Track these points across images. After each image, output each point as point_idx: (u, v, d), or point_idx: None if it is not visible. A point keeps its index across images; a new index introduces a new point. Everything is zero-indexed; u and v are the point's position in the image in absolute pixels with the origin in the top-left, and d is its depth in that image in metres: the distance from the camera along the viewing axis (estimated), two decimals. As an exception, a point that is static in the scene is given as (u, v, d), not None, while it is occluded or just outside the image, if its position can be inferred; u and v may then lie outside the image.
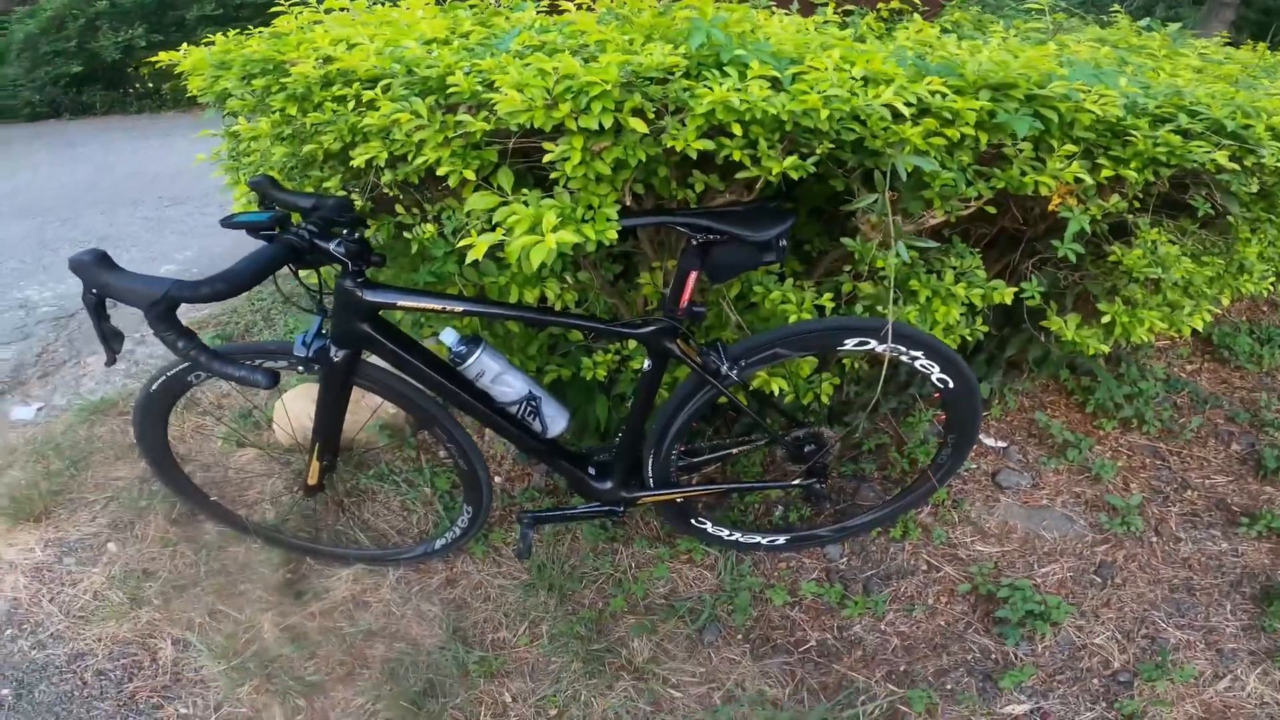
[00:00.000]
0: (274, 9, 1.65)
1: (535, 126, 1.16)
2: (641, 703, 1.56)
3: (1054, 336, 1.74)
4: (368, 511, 2.00)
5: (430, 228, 1.48)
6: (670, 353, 1.42)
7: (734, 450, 1.77)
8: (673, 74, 1.19)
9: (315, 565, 1.86)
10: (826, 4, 1.77)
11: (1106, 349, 1.67)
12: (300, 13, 1.60)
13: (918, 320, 1.52)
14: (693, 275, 1.34)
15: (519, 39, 1.34)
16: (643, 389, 1.50)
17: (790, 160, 1.23)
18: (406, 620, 1.73)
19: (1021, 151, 1.33)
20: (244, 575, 1.82)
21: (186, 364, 1.50)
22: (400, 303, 1.36)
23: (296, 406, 2.03)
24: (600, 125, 1.15)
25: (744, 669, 1.63)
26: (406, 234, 1.52)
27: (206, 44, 1.65)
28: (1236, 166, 1.35)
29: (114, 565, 1.85)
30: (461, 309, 1.38)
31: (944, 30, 1.86)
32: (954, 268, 1.53)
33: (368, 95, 1.30)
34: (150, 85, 7.27)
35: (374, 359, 1.50)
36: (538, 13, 1.57)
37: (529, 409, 1.51)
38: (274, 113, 1.46)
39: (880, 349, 1.45)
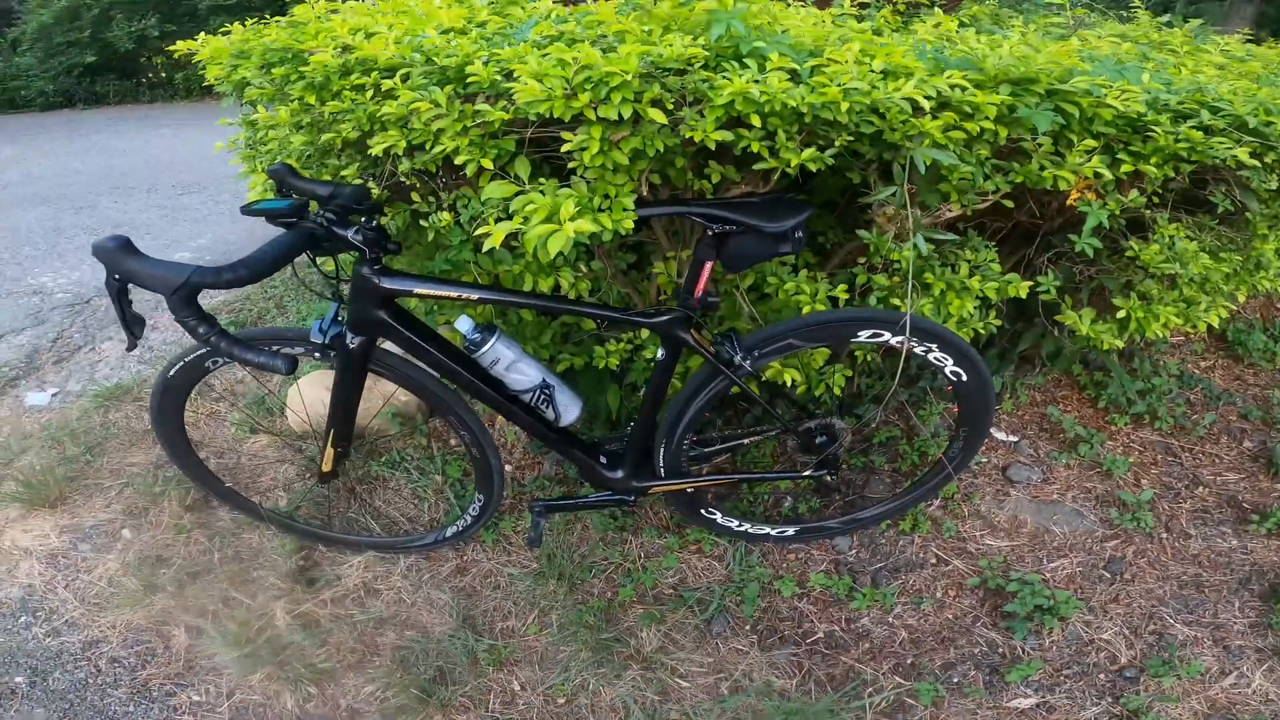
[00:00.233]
0: (289, -3, 1.66)
1: (553, 116, 1.17)
2: (649, 692, 1.57)
3: (1068, 331, 1.74)
4: (379, 499, 2.01)
5: (446, 216, 1.49)
6: (684, 342, 1.43)
7: (745, 441, 1.78)
8: (692, 65, 1.20)
9: (327, 552, 1.88)
10: (844, -2, 1.76)
11: (1121, 344, 1.67)
12: (318, 1, 1.61)
13: (932, 313, 1.52)
14: (708, 265, 1.35)
15: (537, 29, 1.34)
16: (655, 378, 1.50)
17: (809, 152, 1.23)
18: (417, 608, 1.75)
19: (1041, 146, 1.33)
20: (257, 562, 1.84)
21: (204, 350, 1.51)
22: (416, 290, 1.37)
23: (310, 393, 2.04)
24: (619, 115, 1.15)
25: (751, 660, 1.63)
26: (423, 222, 1.53)
27: (222, 33, 1.66)
28: (1257, 163, 1.34)
29: (128, 551, 1.87)
30: (476, 296, 1.39)
31: (962, 24, 1.86)
32: (969, 261, 1.53)
33: (386, 84, 1.31)
34: (163, 75, 7.32)
35: (389, 346, 1.51)
36: (554, 2, 1.57)
37: (542, 397, 1.51)
38: (293, 101, 1.47)
39: (894, 341, 1.46)
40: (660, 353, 1.47)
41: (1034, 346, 2.03)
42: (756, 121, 1.18)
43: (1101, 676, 1.59)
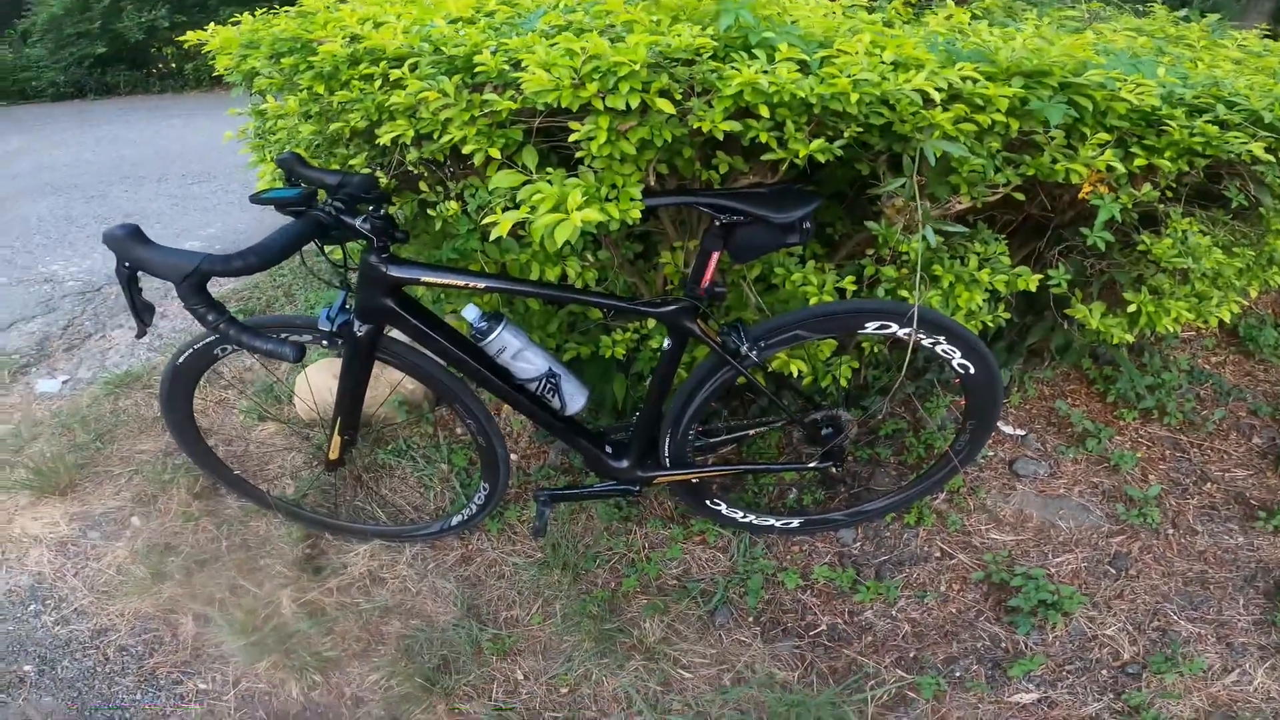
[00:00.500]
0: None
1: (561, 106, 1.17)
2: (652, 682, 1.57)
3: (1078, 325, 1.73)
4: (385, 487, 2.03)
5: (454, 205, 1.49)
6: (690, 332, 1.43)
7: (750, 431, 1.78)
8: (700, 55, 1.19)
9: (334, 541, 1.89)
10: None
11: (1131, 338, 1.66)
12: (327, -10, 1.61)
13: (940, 305, 1.52)
14: (715, 256, 1.34)
15: (545, 18, 1.34)
16: (661, 368, 1.51)
17: (817, 143, 1.22)
18: (422, 597, 1.76)
19: (1053, 139, 1.32)
20: (264, 550, 1.85)
21: (213, 337, 1.52)
22: (423, 278, 1.38)
23: (318, 380, 2.05)
24: (627, 105, 1.15)
25: (754, 651, 1.64)
26: (430, 211, 1.53)
27: (232, 23, 1.66)
28: (1272, 158, 1.33)
29: (137, 539, 1.89)
30: (483, 285, 1.39)
31: (974, 17, 1.84)
32: (978, 254, 1.52)
33: (395, 74, 1.31)
34: (173, 65, 7.34)
35: (396, 334, 1.52)
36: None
37: (548, 386, 1.52)
38: (301, 91, 1.47)
39: (902, 333, 1.45)
40: (666, 342, 1.47)
41: (1043, 340, 2.02)
42: (765, 112, 1.18)
43: (1104, 672, 1.59)
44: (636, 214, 1.24)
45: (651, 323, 1.70)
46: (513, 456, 2.10)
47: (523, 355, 1.48)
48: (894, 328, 1.45)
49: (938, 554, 1.84)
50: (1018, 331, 2.01)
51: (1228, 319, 1.67)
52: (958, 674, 1.59)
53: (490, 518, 1.88)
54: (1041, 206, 1.56)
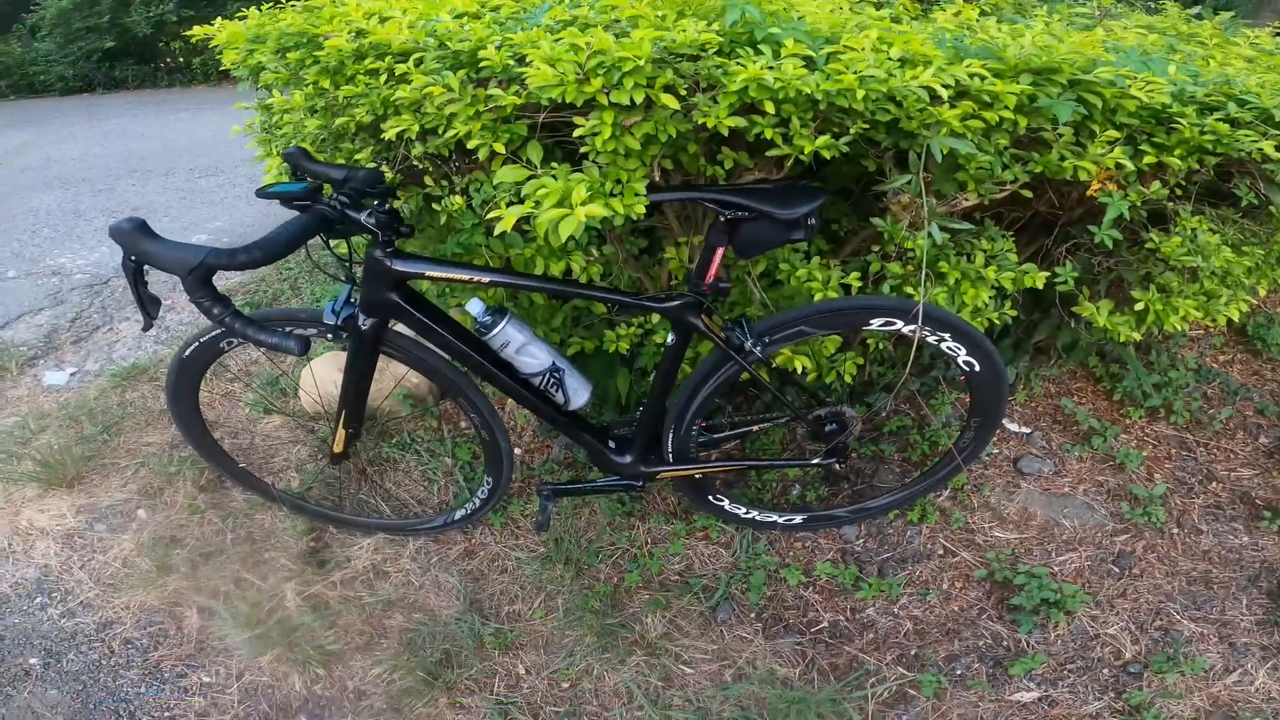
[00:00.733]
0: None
1: (566, 101, 1.17)
2: (653, 678, 1.58)
3: (1085, 322, 1.72)
4: (389, 481, 2.03)
5: (459, 200, 1.50)
6: (695, 328, 1.43)
7: (754, 427, 1.78)
8: (706, 50, 1.19)
9: (338, 534, 1.90)
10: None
11: (1138, 336, 1.65)
12: (332, -15, 1.61)
13: (946, 302, 1.51)
14: (719, 251, 1.34)
15: (551, 13, 1.34)
16: (665, 363, 1.51)
17: (823, 139, 1.22)
18: (425, 591, 1.76)
19: (1062, 136, 1.31)
20: (269, 543, 1.86)
21: (220, 330, 1.53)
22: (428, 272, 1.38)
23: (323, 373, 2.06)
24: (632, 101, 1.15)
25: (756, 647, 1.64)
26: (435, 205, 1.54)
27: (239, 18, 1.66)
28: (1283, 156, 1.32)
29: (143, 532, 1.90)
30: (488, 280, 1.39)
31: (983, 13, 1.83)
32: (985, 251, 1.51)
33: (400, 69, 1.31)
34: (181, 60, 7.36)
35: (401, 328, 1.52)
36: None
37: (552, 380, 1.52)
38: (307, 86, 1.48)
39: (907, 329, 1.45)
40: (670, 338, 1.47)
41: (1049, 337, 2.01)
42: (770, 108, 1.18)
43: (1105, 671, 1.58)
44: (641, 209, 1.23)
45: (655, 318, 1.70)
46: (516, 451, 2.11)
47: (527, 350, 1.49)
48: (899, 324, 1.44)
49: (941, 551, 1.83)
50: (1024, 329, 2.00)
51: (1236, 318, 1.66)
52: (959, 672, 1.59)
53: (493, 512, 1.89)
54: (1049, 204, 1.55)
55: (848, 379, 1.67)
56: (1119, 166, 1.31)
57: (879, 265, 1.53)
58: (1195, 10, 2.05)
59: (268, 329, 1.16)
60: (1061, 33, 1.44)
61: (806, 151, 1.23)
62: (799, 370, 1.62)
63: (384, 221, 1.32)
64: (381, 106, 1.38)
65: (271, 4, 1.70)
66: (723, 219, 1.31)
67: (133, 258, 1.13)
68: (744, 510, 1.82)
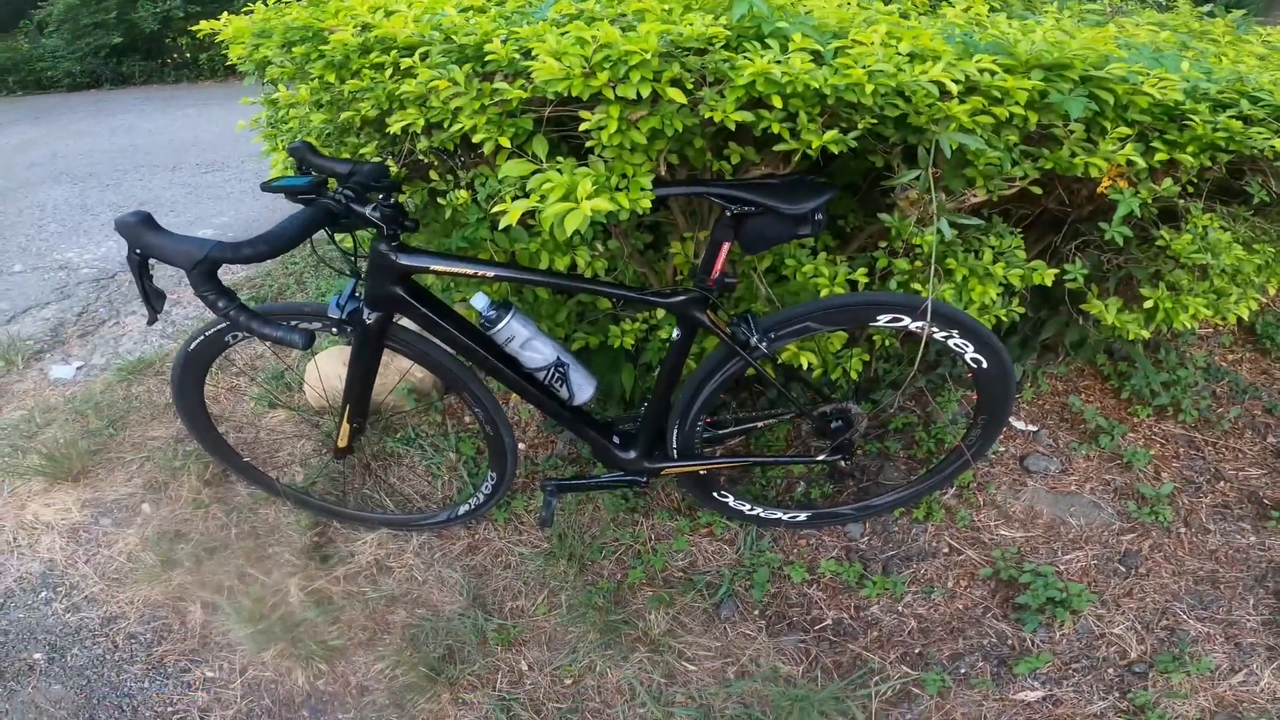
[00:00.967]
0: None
1: (572, 95, 1.16)
2: (656, 675, 1.58)
3: (1093, 320, 1.71)
4: (394, 476, 2.03)
5: (464, 194, 1.49)
6: (700, 323, 1.42)
7: (759, 424, 1.77)
8: (713, 44, 1.18)
9: (341, 529, 1.90)
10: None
11: (1147, 334, 1.64)
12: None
13: (953, 299, 1.50)
14: (725, 246, 1.34)
15: (556, 7, 1.33)
16: (670, 359, 1.50)
17: (830, 134, 1.21)
18: (428, 586, 1.76)
19: (1073, 133, 1.30)
20: (273, 538, 1.86)
21: (225, 324, 1.53)
22: (433, 266, 1.38)
23: (328, 368, 2.06)
24: (638, 95, 1.14)
25: (759, 645, 1.64)
26: (440, 200, 1.53)
27: (245, 12, 1.66)
28: (1296, 154, 1.31)
29: (148, 526, 1.90)
30: (493, 274, 1.39)
31: (992, 9, 1.82)
32: (993, 247, 1.50)
33: (405, 63, 1.31)
34: (188, 55, 7.38)
35: (405, 322, 1.52)
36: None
37: (556, 375, 1.52)
38: (313, 80, 1.48)
39: (914, 326, 1.44)
40: (676, 333, 1.47)
41: (1057, 335, 2.00)
42: (778, 103, 1.17)
43: (1110, 671, 1.58)
44: (647, 204, 1.23)
45: (660, 313, 1.70)
46: (520, 446, 2.10)
47: (531, 344, 1.48)
48: (906, 321, 1.44)
49: (946, 550, 1.83)
50: (1032, 326, 1.99)
51: (1246, 316, 1.65)
52: (963, 670, 1.58)
53: (497, 507, 1.89)
54: (1059, 200, 1.54)
55: (854, 375, 1.67)
56: (1130, 163, 1.30)
57: (886, 261, 1.52)
58: (1207, 8, 2.03)
59: (272, 323, 1.16)
60: (1073, 29, 1.43)
61: (814, 146, 1.22)
62: (805, 366, 1.61)
63: (389, 216, 1.31)
64: (387, 100, 1.38)
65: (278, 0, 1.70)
66: (729, 214, 1.30)
67: (138, 251, 1.13)
68: (748, 507, 1.81)
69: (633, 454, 1.66)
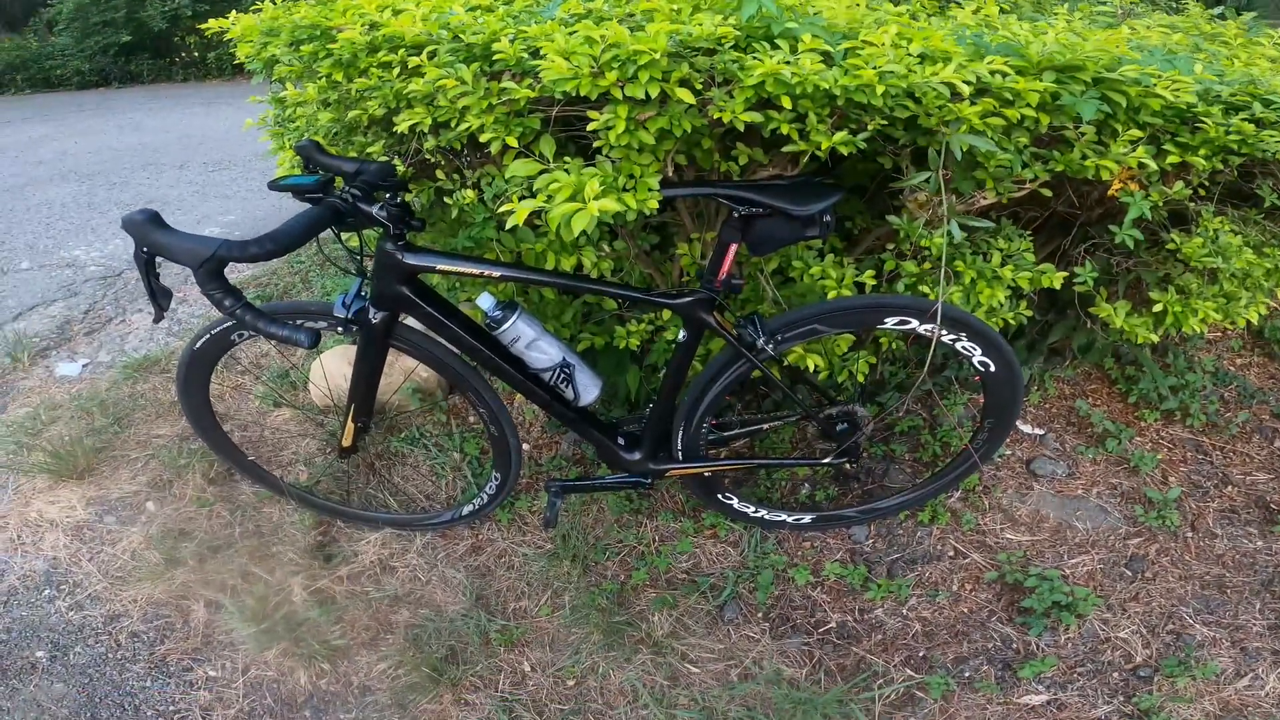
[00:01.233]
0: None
1: (580, 95, 1.16)
2: (659, 676, 1.57)
3: (1101, 323, 1.70)
4: (398, 475, 2.03)
5: (470, 193, 1.49)
6: (707, 325, 1.42)
7: (765, 426, 1.77)
8: (722, 45, 1.18)
9: (345, 528, 1.89)
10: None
11: (1156, 338, 1.63)
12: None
13: (961, 302, 1.50)
14: (733, 248, 1.33)
15: (565, 6, 1.33)
16: (676, 360, 1.50)
17: (840, 135, 1.21)
18: (431, 586, 1.76)
19: (1084, 135, 1.29)
20: (276, 537, 1.86)
21: (231, 322, 1.53)
22: (439, 266, 1.38)
23: (333, 367, 2.06)
24: (646, 95, 1.14)
25: (763, 647, 1.63)
26: (447, 199, 1.53)
27: (254, 11, 1.66)
28: (1307, 157, 1.30)
29: (152, 524, 1.90)
30: (499, 274, 1.39)
31: (1002, 10, 1.81)
32: (1001, 250, 1.50)
33: (413, 61, 1.30)
34: (196, 54, 7.41)
35: (411, 321, 1.52)
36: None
37: (562, 376, 1.51)
38: (320, 79, 1.48)
39: (922, 329, 1.43)
40: (682, 334, 1.46)
41: (1065, 338, 1.99)
42: (787, 103, 1.16)
43: (1115, 675, 1.57)
44: (654, 204, 1.22)
45: (667, 314, 1.69)
46: (525, 446, 2.10)
47: (537, 345, 1.48)
48: (914, 323, 1.43)
49: (951, 553, 1.82)
50: (1039, 329, 1.98)
51: (1255, 320, 1.64)
52: (967, 674, 1.58)
53: (501, 508, 1.88)
54: (1068, 202, 1.53)
55: (860, 378, 1.66)
56: (1142, 166, 1.29)
57: (894, 263, 1.52)
58: (1218, 10, 2.02)
59: (278, 321, 1.16)
60: (1084, 30, 1.42)
61: (824, 148, 1.22)
62: (811, 368, 1.60)
63: (395, 215, 1.31)
64: (394, 99, 1.38)
65: (285, -2, 1.70)
66: (736, 215, 1.30)
67: (145, 249, 1.13)
68: (753, 509, 1.81)
69: (637, 455, 1.65)
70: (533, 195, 1.22)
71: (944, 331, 1.44)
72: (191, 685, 1.58)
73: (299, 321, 1.47)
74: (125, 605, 1.72)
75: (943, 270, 1.38)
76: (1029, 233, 1.55)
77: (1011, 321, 1.59)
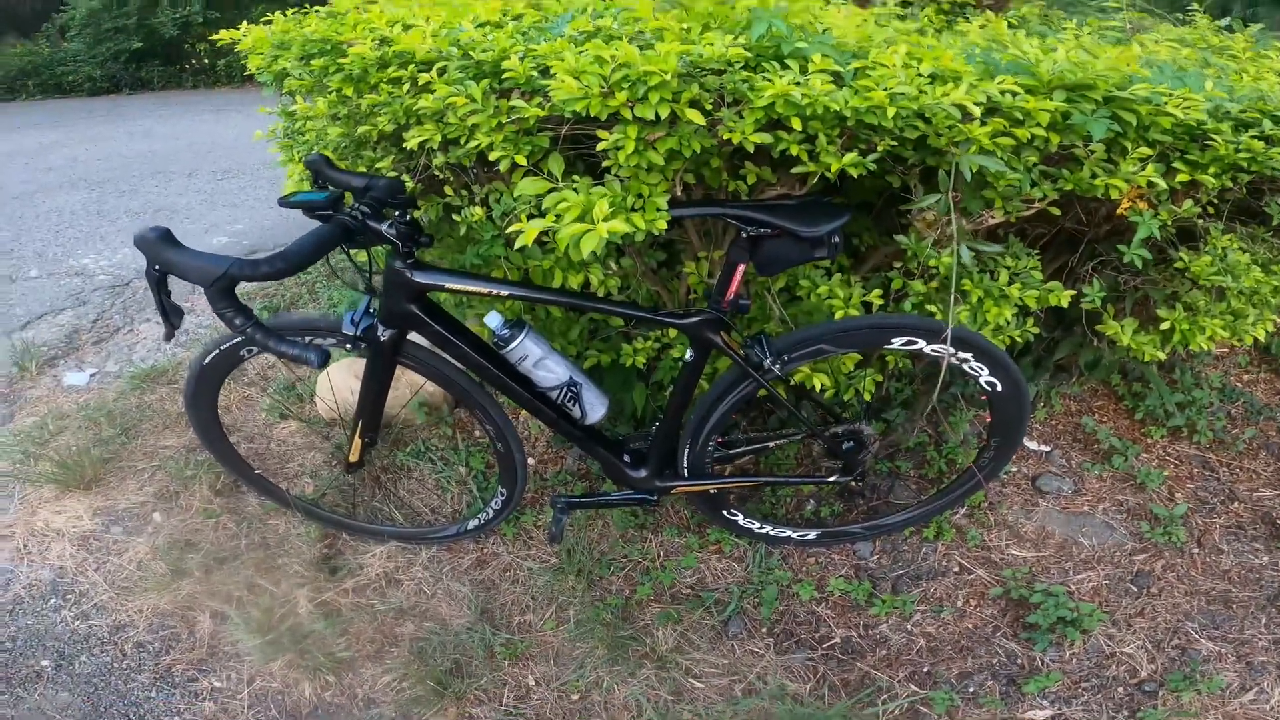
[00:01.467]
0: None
1: (590, 114, 1.16)
2: (663, 691, 1.57)
3: (1108, 340, 1.70)
4: (403, 489, 2.03)
5: (479, 211, 1.50)
6: (714, 344, 1.42)
7: (770, 443, 1.77)
8: (732, 65, 1.18)
9: (350, 541, 1.90)
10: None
11: (1163, 356, 1.62)
12: (357, -8, 1.62)
13: (968, 320, 1.49)
14: (741, 268, 1.33)
15: (573, 24, 1.33)
16: (683, 379, 1.50)
17: (850, 157, 1.21)
18: (436, 600, 1.76)
19: (1093, 153, 1.29)
20: (282, 549, 1.86)
21: (240, 339, 1.53)
22: (448, 285, 1.38)
23: (339, 380, 2.07)
24: (656, 115, 1.14)
25: (767, 662, 1.63)
26: (455, 216, 1.54)
27: (264, 22, 1.67)
28: (1316, 175, 1.30)
29: (158, 535, 1.90)
30: (507, 293, 1.39)
31: (1010, 26, 1.81)
32: (1009, 268, 1.49)
33: (423, 78, 1.31)
34: (206, 61, 7.44)
35: (418, 338, 1.52)
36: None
37: (569, 395, 1.51)
38: (330, 93, 1.48)
39: (929, 349, 1.43)
40: (689, 354, 1.46)
41: (1072, 355, 1.98)
42: (797, 124, 1.16)
43: (1120, 690, 1.56)
44: (662, 225, 1.23)
45: (673, 332, 1.69)
46: (531, 461, 2.10)
47: (544, 364, 1.48)
48: (921, 344, 1.43)
49: (956, 569, 1.81)
50: (1045, 346, 1.98)
51: (1262, 337, 1.63)
52: (971, 689, 1.57)
53: (506, 522, 1.88)
54: (1076, 219, 1.53)
55: (866, 396, 1.66)
56: (1151, 184, 1.29)
57: (901, 282, 1.52)
58: (1224, 22, 2.02)
59: (289, 340, 1.16)
60: (1094, 47, 1.42)
61: (834, 169, 1.22)
62: (818, 388, 1.60)
63: (404, 232, 1.32)
64: (404, 115, 1.39)
65: (297, 9, 1.71)
66: (744, 235, 1.30)
67: (157, 267, 1.13)
68: (758, 525, 1.81)
69: (643, 473, 1.65)
70: (541, 213, 1.23)
71: (953, 352, 1.44)
72: (196, 696, 1.58)
73: (308, 339, 1.48)
74: (131, 615, 1.73)
75: (952, 295, 1.37)
76: (1036, 250, 1.55)
77: (1018, 339, 1.59)
